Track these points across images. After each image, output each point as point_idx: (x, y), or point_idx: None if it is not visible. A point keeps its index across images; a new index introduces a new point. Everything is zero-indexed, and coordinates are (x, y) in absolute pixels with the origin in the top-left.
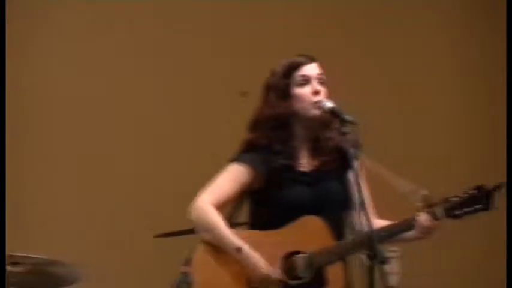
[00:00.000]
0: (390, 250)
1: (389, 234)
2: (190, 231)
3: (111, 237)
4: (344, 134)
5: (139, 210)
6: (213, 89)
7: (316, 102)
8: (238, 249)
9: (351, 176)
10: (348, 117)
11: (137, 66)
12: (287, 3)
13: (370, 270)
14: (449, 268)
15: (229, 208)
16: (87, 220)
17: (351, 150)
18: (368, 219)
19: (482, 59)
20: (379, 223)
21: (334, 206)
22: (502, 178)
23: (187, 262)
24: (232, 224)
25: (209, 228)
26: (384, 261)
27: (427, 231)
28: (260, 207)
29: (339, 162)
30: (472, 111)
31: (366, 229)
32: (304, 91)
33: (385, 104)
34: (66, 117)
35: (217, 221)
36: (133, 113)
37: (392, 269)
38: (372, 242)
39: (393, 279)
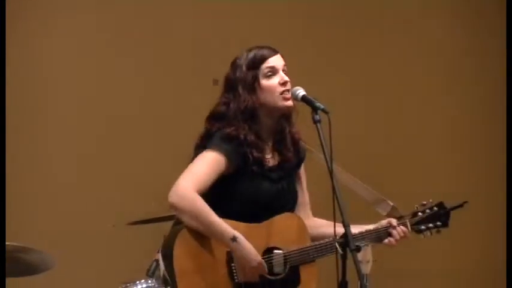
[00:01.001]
0: None
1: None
2: (162, 219)
3: (85, 225)
4: (316, 122)
5: (114, 197)
6: (187, 78)
7: (283, 93)
8: (234, 239)
9: (301, 172)
10: (319, 104)
11: (112, 59)
12: None
13: (343, 258)
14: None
15: None
16: (61, 207)
17: (304, 148)
18: (342, 210)
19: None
20: (315, 222)
21: (291, 204)
22: (502, 178)
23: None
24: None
25: (198, 216)
26: (356, 249)
27: (397, 241)
28: (222, 198)
29: (295, 158)
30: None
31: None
32: (272, 82)
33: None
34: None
35: (208, 209)
36: (107, 106)
37: (365, 256)
38: (346, 229)
39: (366, 267)
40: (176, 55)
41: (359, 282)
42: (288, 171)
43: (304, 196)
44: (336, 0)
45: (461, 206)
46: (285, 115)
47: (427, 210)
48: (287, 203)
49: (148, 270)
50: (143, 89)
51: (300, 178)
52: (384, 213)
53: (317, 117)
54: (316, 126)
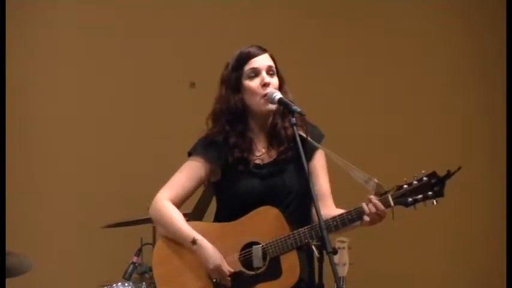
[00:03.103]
0: (339, 241)
1: (341, 223)
2: (138, 222)
3: (62, 227)
4: (292, 125)
5: (91, 200)
6: (163, 80)
7: (265, 95)
8: (194, 242)
9: (314, 164)
10: (295, 107)
11: (90, 60)
12: None
13: (320, 261)
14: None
15: (202, 200)
16: (37, 211)
17: (309, 140)
18: (318, 210)
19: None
20: (336, 212)
21: (290, 198)
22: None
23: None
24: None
25: (164, 223)
26: (333, 251)
27: (376, 219)
28: (219, 200)
29: (294, 153)
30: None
31: (317, 219)
32: (253, 83)
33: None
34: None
35: (172, 215)
36: (83, 108)
37: (341, 259)
38: (322, 232)
39: (342, 270)
40: (155, 58)
41: (335, 285)
42: (284, 166)
43: (321, 188)
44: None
45: (453, 173)
46: (276, 113)
47: (415, 182)
48: (284, 197)
49: (125, 272)
50: (123, 91)
51: (312, 171)
52: (372, 192)
53: (293, 120)
54: (293, 129)
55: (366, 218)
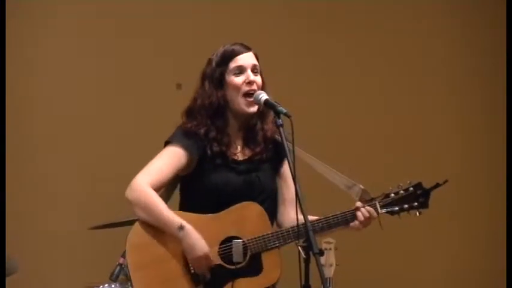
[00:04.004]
0: (325, 242)
1: (327, 225)
2: (125, 223)
3: (49, 228)
4: (278, 126)
5: (78, 200)
6: (151, 82)
7: (247, 95)
8: (181, 227)
9: (285, 168)
10: (281, 109)
11: (80, 61)
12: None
13: (306, 262)
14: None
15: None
16: (23, 211)
17: (286, 144)
18: (304, 211)
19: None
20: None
21: (262, 196)
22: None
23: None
24: None
25: (149, 209)
26: (319, 252)
27: (364, 224)
28: (190, 192)
29: (273, 153)
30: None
31: (302, 220)
32: (238, 81)
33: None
34: None
35: (158, 201)
36: (70, 109)
37: (328, 260)
38: (308, 233)
39: (328, 271)
40: (142, 60)
41: (322, 286)
42: (259, 165)
43: (289, 193)
44: None
45: (440, 185)
46: (256, 114)
47: (401, 192)
48: (257, 195)
49: (111, 274)
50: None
51: (283, 175)
52: (357, 198)
53: (280, 121)
54: (279, 130)
55: (355, 223)
